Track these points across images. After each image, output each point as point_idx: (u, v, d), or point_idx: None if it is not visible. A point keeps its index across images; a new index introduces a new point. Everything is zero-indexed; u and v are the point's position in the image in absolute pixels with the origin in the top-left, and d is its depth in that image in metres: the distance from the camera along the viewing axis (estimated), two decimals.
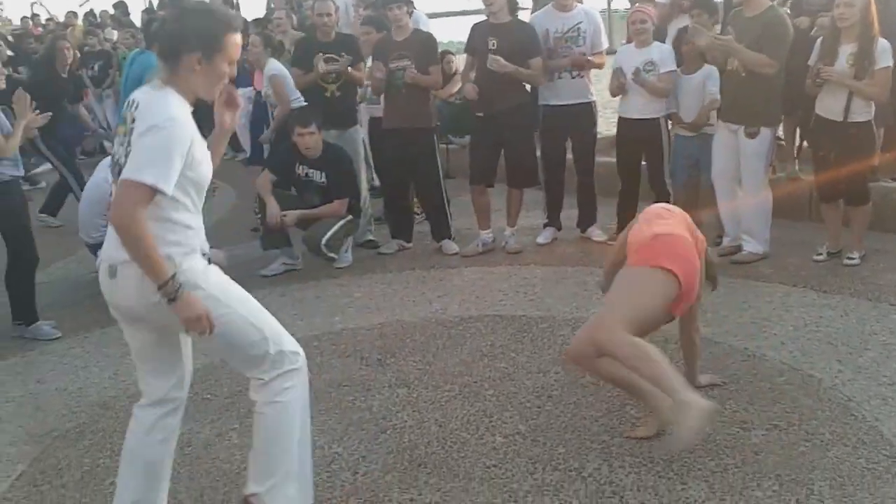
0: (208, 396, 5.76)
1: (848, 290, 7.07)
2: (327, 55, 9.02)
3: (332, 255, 8.35)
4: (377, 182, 10.43)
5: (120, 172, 3.61)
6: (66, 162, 11.42)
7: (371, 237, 9.46)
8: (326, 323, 7.16)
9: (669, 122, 8.50)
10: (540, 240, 9.07)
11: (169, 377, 4.00)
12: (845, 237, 7.80)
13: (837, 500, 4.18)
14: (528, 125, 8.86)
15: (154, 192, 3.48)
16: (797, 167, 9.57)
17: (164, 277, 3.50)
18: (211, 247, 3.88)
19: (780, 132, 9.09)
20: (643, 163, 8.69)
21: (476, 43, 8.63)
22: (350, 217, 8.50)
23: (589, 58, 8.68)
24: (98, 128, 16.36)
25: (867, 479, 4.35)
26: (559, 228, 9.19)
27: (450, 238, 9.07)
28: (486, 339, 6.54)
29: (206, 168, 3.74)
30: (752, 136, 7.69)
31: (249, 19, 13.06)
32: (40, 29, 22.45)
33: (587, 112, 8.88)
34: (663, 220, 5.17)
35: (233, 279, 3.91)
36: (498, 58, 8.24)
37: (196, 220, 3.77)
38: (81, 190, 10.49)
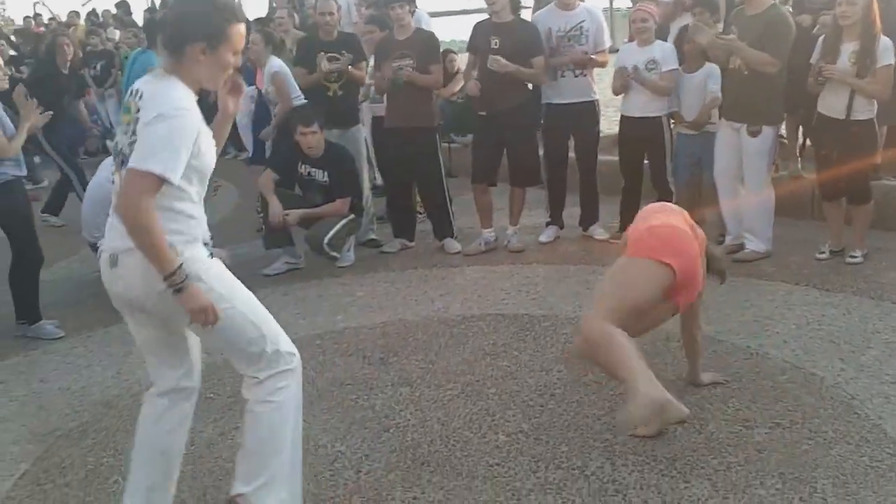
0: (211, 395, 5.76)
1: (850, 289, 7.07)
2: (329, 54, 9.03)
3: (334, 253, 8.35)
4: (379, 181, 10.43)
5: (124, 162, 3.61)
6: (69, 160, 11.43)
7: (373, 236, 9.46)
8: (329, 322, 7.16)
9: (671, 120, 8.51)
10: (542, 238, 9.08)
11: (176, 368, 4.01)
12: (848, 235, 7.80)
13: (840, 499, 4.18)
14: (530, 124, 8.87)
15: (161, 181, 3.47)
16: (800, 165, 9.57)
17: (170, 267, 3.49)
18: (214, 246, 3.86)
19: (783, 130, 9.08)
20: (645, 161, 8.69)
21: (478, 42, 8.64)
22: (352, 216, 8.51)
23: (592, 56, 8.67)
24: (95, 125, 16.38)
25: (870, 477, 4.35)
26: (561, 227, 9.20)
27: (452, 237, 9.07)
28: (489, 337, 6.54)
29: (210, 158, 3.73)
30: (754, 134, 7.69)
31: (251, 18, 13.05)
32: (42, 28, 22.44)
33: (590, 111, 8.88)
34: (660, 214, 5.22)
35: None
36: (498, 58, 8.24)
37: (198, 210, 3.75)
38: (84, 189, 10.53)
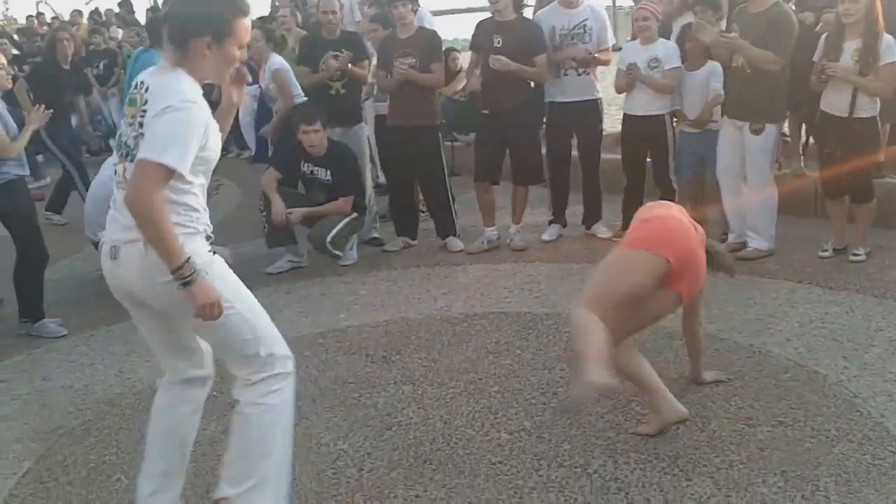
0: (214, 394, 5.71)
1: (853, 287, 7.07)
2: (333, 53, 9.03)
3: (337, 252, 8.36)
4: (382, 179, 10.43)
5: (129, 154, 3.61)
6: (71, 156, 11.42)
7: (376, 234, 9.47)
8: (332, 320, 7.17)
9: (674, 119, 8.50)
10: (545, 237, 9.08)
11: (185, 358, 4.02)
12: (851, 233, 7.79)
13: (843, 497, 4.18)
14: (533, 122, 8.88)
15: (171, 173, 3.46)
16: (802, 163, 9.56)
17: (178, 260, 3.46)
18: (216, 244, 3.85)
19: (786, 128, 9.08)
20: (648, 160, 8.69)
21: (481, 40, 8.64)
22: (355, 214, 8.51)
23: (595, 55, 8.67)
24: (89, 123, 16.36)
25: (873, 475, 4.35)
26: (564, 225, 9.20)
27: (455, 235, 9.07)
28: (492, 336, 6.55)
29: (217, 151, 3.72)
30: (757, 132, 7.69)
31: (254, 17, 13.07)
32: (45, 27, 22.47)
33: (593, 109, 8.88)
34: (656, 210, 5.31)
35: (237, 277, 3.90)
36: (500, 57, 8.24)
37: (200, 203, 3.73)
38: (86, 186, 10.54)
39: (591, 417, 5.12)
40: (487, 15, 8.83)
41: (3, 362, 6.73)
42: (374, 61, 9.46)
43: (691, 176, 8.40)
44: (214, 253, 3.75)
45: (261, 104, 10.22)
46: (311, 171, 8.47)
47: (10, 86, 7.69)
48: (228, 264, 3.88)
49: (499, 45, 8.36)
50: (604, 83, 9.13)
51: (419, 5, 9.32)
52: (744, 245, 8.03)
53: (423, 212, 9.63)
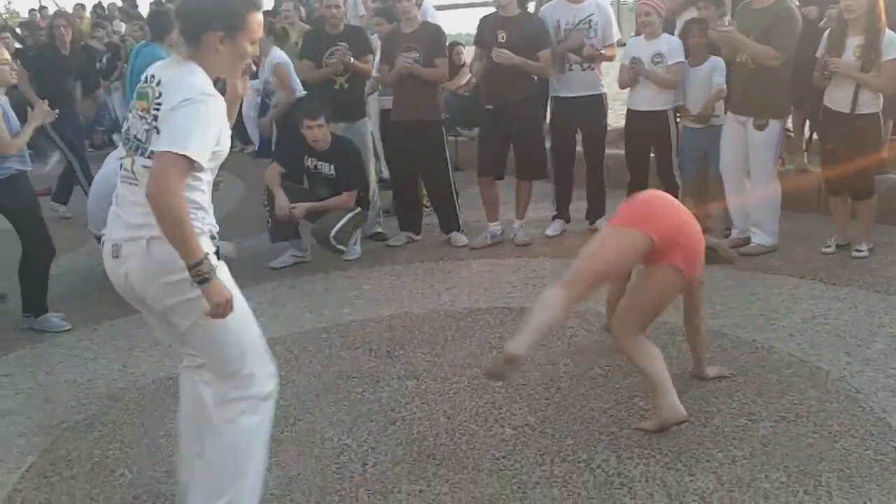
0: None
1: (856, 283, 7.07)
2: (333, 48, 9.01)
3: (340, 247, 8.35)
4: (386, 174, 10.43)
5: (137, 148, 3.60)
6: (73, 147, 11.38)
7: (380, 229, 9.46)
8: (335, 315, 7.17)
9: (677, 114, 8.50)
10: (549, 232, 9.08)
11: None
12: (854, 230, 7.79)
13: (845, 492, 4.19)
14: (536, 117, 8.88)
15: (192, 165, 3.43)
16: (805, 160, 9.56)
17: (197, 257, 3.41)
18: (220, 239, 3.85)
19: (789, 124, 9.08)
20: (652, 155, 8.69)
21: (485, 36, 8.63)
22: (359, 209, 8.50)
23: (601, 51, 8.67)
24: (93, 118, 16.38)
25: (875, 470, 4.36)
26: (568, 220, 9.19)
27: (458, 230, 9.07)
28: (495, 331, 6.55)
29: (227, 146, 3.68)
30: (760, 127, 7.69)
31: None
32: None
33: (598, 104, 8.88)
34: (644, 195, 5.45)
35: (242, 271, 3.90)
36: (504, 51, 8.24)
37: (207, 201, 3.70)
38: (87, 179, 10.53)
39: (595, 412, 5.13)
40: (491, 10, 8.83)
41: (6, 356, 6.74)
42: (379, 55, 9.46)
43: (695, 171, 8.41)
44: (219, 249, 3.74)
45: (265, 98, 10.23)
46: (315, 166, 8.47)
47: (14, 81, 7.66)
48: (232, 259, 3.86)
49: (503, 41, 8.35)
50: (608, 78, 9.13)
51: (423, 0, 9.31)
52: (747, 241, 8.02)
53: (426, 207, 9.63)
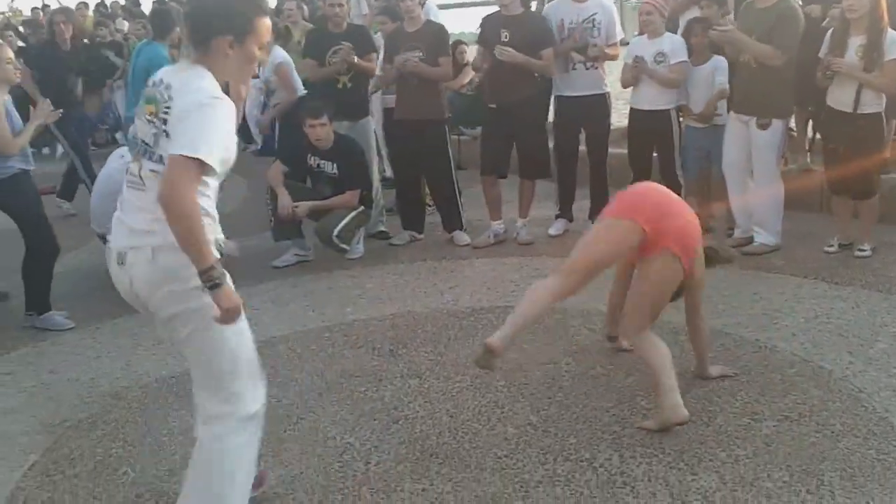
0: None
1: (859, 282, 7.07)
2: (336, 48, 9.01)
3: (343, 246, 8.34)
4: (389, 173, 10.43)
5: (145, 152, 3.59)
6: (76, 145, 11.37)
7: (383, 228, 9.45)
8: (338, 314, 7.17)
9: (679, 114, 8.50)
10: (552, 231, 9.08)
11: None
12: (856, 229, 7.79)
13: (848, 491, 4.19)
14: (540, 116, 8.88)
15: (204, 168, 3.41)
16: (809, 159, 9.56)
17: (209, 262, 3.38)
18: (223, 239, 3.84)
19: (792, 123, 9.07)
20: (655, 154, 8.68)
21: (488, 35, 8.63)
22: (362, 208, 8.50)
23: (606, 50, 8.66)
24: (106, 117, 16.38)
25: (877, 469, 4.36)
26: (571, 220, 9.19)
27: (461, 229, 9.07)
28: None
29: (233, 151, 3.64)
30: (763, 127, 7.68)
31: None
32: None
33: (601, 103, 8.88)
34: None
35: (244, 270, 3.89)
36: (507, 48, 8.24)
37: (213, 207, 3.68)
38: (89, 177, 10.52)
39: (597, 412, 5.13)
40: (494, 8, 8.83)
41: (9, 355, 6.74)
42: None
43: (698, 171, 8.41)
44: (223, 255, 3.70)
45: (267, 97, 10.24)
46: (318, 165, 8.46)
47: (17, 80, 7.65)
48: (235, 257, 3.85)
49: (506, 40, 8.35)
50: (611, 78, 9.12)
51: None
52: (750, 240, 8.03)
53: (429, 205, 9.62)
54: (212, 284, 3.39)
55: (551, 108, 9.25)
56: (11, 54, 7.34)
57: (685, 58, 8.26)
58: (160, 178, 3.47)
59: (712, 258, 5.35)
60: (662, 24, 8.45)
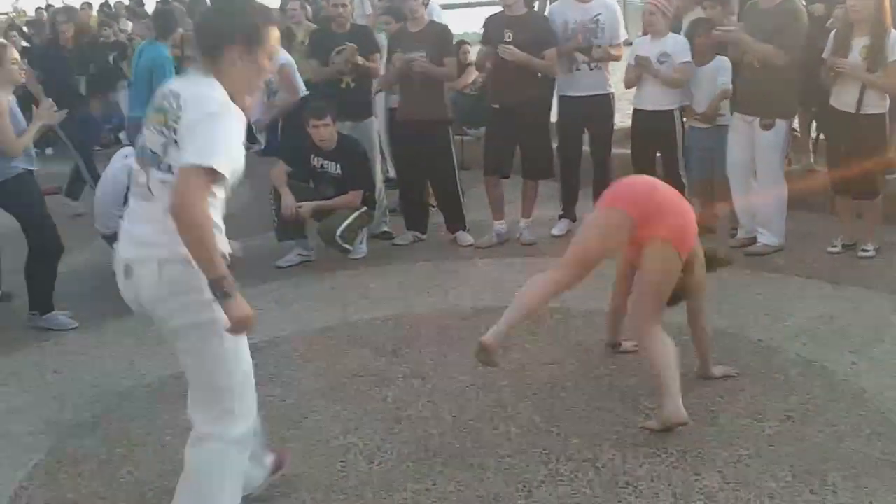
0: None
1: (862, 283, 7.06)
2: (338, 48, 9.01)
3: (346, 246, 8.35)
4: (392, 173, 10.43)
5: (154, 161, 3.57)
6: (80, 146, 11.36)
7: (386, 228, 9.45)
8: (341, 314, 7.17)
9: (683, 114, 8.50)
10: (555, 231, 9.07)
11: None
12: (860, 230, 7.78)
13: (851, 491, 4.19)
14: (543, 117, 8.87)
15: (216, 177, 3.40)
16: (812, 160, 9.55)
17: (220, 272, 3.35)
18: (226, 239, 3.83)
19: (796, 124, 9.07)
20: (658, 154, 8.68)
21: (491, 35, 8.63)
22: (365, 208, 8.50)
23: (610, 51, 8.66)
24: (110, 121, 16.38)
25: (881, 469, 4.37)
26: (574, 220, 9.16)
27: (464, 229, 9.07)
28: None
29: (241, 162, 3.59)
30: (767, 127, 7.68)
31: None
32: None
33: (605, 103, 8.88)
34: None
35: (248, 270, 3.88)
36: (509, 47, 8.25)
37: (220, 219, 3.64)
38: (92, 177, 10.52)
39: (600, 412, 5.14)
40: (498, 9, 8.83)
41: (12, 355, 6.73)
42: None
43: (701, 171, 8.39)
44: (229, 263, 3.67)
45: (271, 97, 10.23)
46: (321, 165, 8.47)
47: (23, 80, 7.66)
48: (238, 257, 3.85)
49: (509, 39, 8.35)
50: (615, 78, 9.12)
51: None
52: (753, 241, 8.03)
53: (432, 206, 9.62)
54: (223, 294, 3.37)
55: (554, 108, 9.24)
56: (17, 55, 7.34)
57: (688, 58, 8.25)
58: (170, 187, 3.45)
59: (711, 262, 5.36)
60: (666, 24, 8.44)
